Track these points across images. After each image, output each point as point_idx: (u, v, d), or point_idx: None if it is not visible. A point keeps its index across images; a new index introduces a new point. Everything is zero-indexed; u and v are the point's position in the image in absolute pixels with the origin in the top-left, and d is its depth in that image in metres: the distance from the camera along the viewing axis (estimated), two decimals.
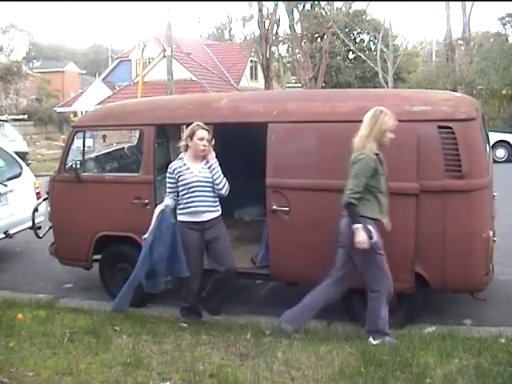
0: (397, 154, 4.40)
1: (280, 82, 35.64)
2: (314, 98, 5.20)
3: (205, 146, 4.69)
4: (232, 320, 5.03)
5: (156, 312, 5.30)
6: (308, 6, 29.86)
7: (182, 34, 37.34)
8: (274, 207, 4.82)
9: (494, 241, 4.72)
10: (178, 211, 4.80)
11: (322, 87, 28.05)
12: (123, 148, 6.79)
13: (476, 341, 4.25)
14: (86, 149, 5.77)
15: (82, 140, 5.73)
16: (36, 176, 8.20)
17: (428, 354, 4.01)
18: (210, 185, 4.72)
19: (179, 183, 4.72)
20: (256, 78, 36.33)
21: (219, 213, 4.87)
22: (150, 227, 4.66)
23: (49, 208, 5.96)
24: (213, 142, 7.15)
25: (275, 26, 29.93)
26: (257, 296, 5.93)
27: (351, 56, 33.77)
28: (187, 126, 6.42)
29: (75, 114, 30.57)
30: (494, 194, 5.03)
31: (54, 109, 37.24)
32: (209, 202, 4.75)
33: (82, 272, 6.21)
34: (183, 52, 31.31)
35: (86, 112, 12.18)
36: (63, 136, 31.07)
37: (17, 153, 8.83)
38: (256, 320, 4.93)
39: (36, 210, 6.38)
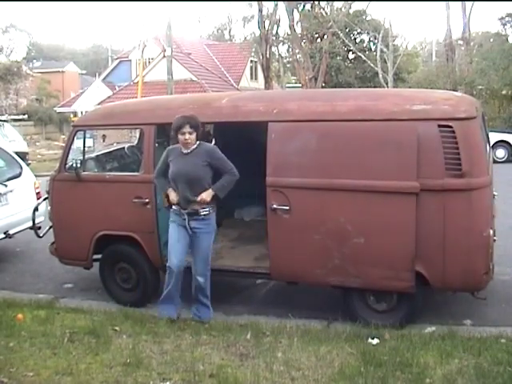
0: (397, 152, 4.41)
1: (280, 82, 35.64)
2: (314, 98, 5.19)
3: None
4: (232, 320, 5.03)
5: (156, 312, 5.29)
6: (308, 6, 29.88)
7: (182, 34, 37.31)
8: (274, 206, 4.82)
9: (495, 240, 4.71)
10: None
11: (322, 87, 28.04)
12: (123, 147, 6.79)
13: (476, 341, 4.25)
14: (86, 148, 5.77)
15: (82, 140, 5.72)
16: (36, 176, 8.19)
17: (428, 354, 4.02)
18: None
19: None
20: (256, 78, 36.33)
21: None
22: None
23: (49, 207, 5.96)
24: (213, 142, 7.19)
25: (275, 26, 29.98)
26: (257, 296, 5.93)
27: (351, 56, 33.74)
28: None
29: (75, 114, 30.56)
30: (495, 193, 5.02)
31: (54, 109, 37.26)
32: None
33: (82, 272, 6.20)
34: (183, 52, 31.31)
35: (85, 112, 12.17)
36: (63, 136, 31.09)
37: (17, 153, 8.82)
38: (256, 320, 4.93)
39: (36, 209, 6.37)
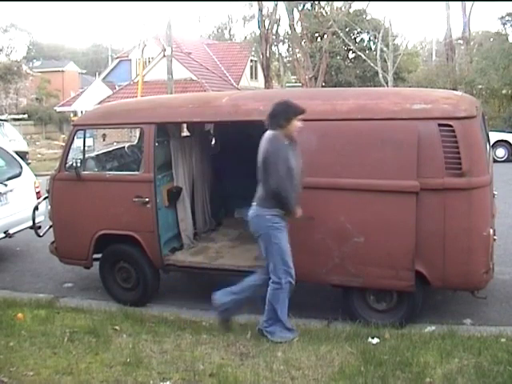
0: (397, 152, 4.40)
1: (280, 81, 35.68)
2: (314, 97, 5.19)
3: None
4: (232, 320, 5.02)
5: (156, 312, 5.30)
6: (308, 5, 29.87)
7: (182, 33, 37.33)
8: None
9: (495, 239, 4.71)
10: None
11: (322, 87, 28.03)
12: (124, 147, 6.79)
13: (476, 340, 4.25)
14: (86, 148, 5.76)
15: (82, 139, 5.72)
16: (36, 175, 8.19)
17: (428, 353, 4.01)
18: None
19: None
20: (256, 78, 36.36)
21: None
22: None
23: (49, 207, 5.96)
24: (213, 141, 7.20)
25: (275, 25, 29.97)
26: (257, 295, 5.92)
27: (351, 55, 33.76)
28: (187, 125, 6.47)
29: (75, 114, 30.56)
30: (495, 192, 5.02)
31: (54, 108, 37.24)
32: None
33: (82, 271, 6.21)
34: (183, 52, 31.31)
35: (85, 111, 12.17)
36: (63, 135, 31.11)
37: (17, 152, 8.81)
38: (256, 319, 4.92)
39: (36, 209, 6.37)
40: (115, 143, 9.08)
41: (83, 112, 22.50)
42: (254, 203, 4.45)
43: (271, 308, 4.46)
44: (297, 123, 4.32)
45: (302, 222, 4.49)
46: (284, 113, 4.33)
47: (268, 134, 4.34)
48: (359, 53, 29.45)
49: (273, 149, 4.25)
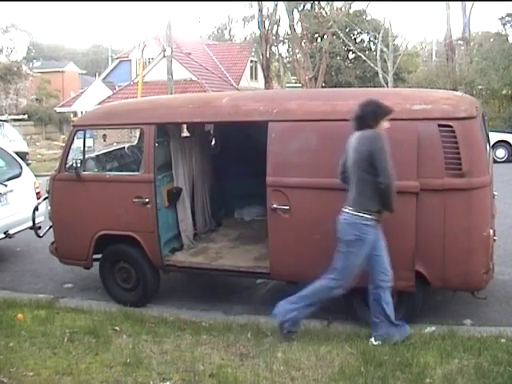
0: (397, 152, 4.40)
1: (280, 81, 35.66)
2: (314, 97, 5.19)
3: None
4: (232, 320, 5.03)
5: (156, 312, 5.30)
6: (308, 5, 29.87)
7: (182, 34, 37.33)
8: (275, 206, 4.82)
9: (495, 240, 4.71)
10: None
11: (322, 87, 28.03)
12: (123, 147, 6.79)
13: (476, 341, 4.24)
14: (86, 148, 5.76)
15: (82, 139, 5.73)
16: (36, 176, 8.19)
17: (428, 353, 4.01)
18: None
19: None
20: (256, 78, 36.37)
21: None
22: None
23: (49, 207, 5.96)
24: (213, 142, 7.21)
25: (275, 25, 29.98)
26: (257, 296, 5.93)
27: (351, 56, 33.73)
28: (188, 125, 6.47)
29: (75, 114, 30.58)
30: (495, 193, 5.02)
31: (54, 109, 37.26)
32: None
33: (82, 272, 6.21)
34: (183, 52, 31.33)
35: (85, 112, 12.17)
36: (63, 136, 31.12)
37: (17, 153, 8.81)
38: (256, 320, 4.93)
39: (36, 209, 6.37)
40: (115, 144, 9.08)
41: (83, 112, 22.50)
42: (348, 208, 4.26)
43: (304, 294, 4.42)
44: (385, 124, 4.21)
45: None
46: (373, 113, 4.18)
47: (368, 133, 4.16)
48: (359, 53, 29.44)
49: (381, 147, 4.10)
